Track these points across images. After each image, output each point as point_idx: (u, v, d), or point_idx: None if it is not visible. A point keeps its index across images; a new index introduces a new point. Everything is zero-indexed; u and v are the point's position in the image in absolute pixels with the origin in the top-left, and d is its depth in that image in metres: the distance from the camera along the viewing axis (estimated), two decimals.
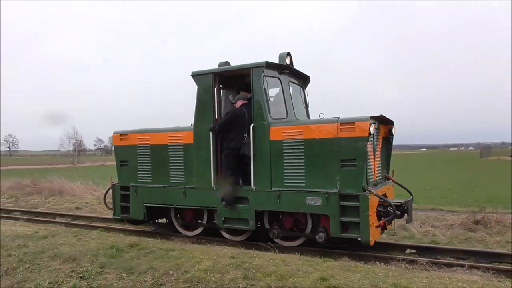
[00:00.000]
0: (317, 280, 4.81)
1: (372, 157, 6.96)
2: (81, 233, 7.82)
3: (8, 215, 11.87)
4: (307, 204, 6.66)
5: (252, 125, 7.18)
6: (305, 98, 8.75)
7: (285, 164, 6.92)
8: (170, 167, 8.16)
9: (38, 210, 13.07)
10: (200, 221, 8.32)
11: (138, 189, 8.55)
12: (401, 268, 5.82)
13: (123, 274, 5.48)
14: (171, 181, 8.15)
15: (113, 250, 6.40)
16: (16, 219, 10.51)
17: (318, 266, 5.37)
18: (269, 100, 7.26)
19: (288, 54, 7.82)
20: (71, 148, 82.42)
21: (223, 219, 7.53)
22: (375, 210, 6.41)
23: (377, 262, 6.41)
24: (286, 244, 7.31)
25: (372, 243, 6.31)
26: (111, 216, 9.63)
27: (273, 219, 7.41)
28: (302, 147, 6.77)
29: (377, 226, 6.38)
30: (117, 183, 8.97)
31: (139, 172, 8.59)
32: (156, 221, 9.20)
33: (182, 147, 7.99)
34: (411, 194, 7.78)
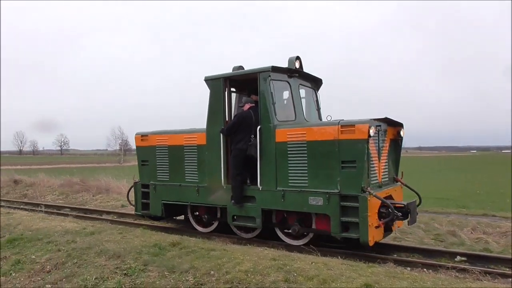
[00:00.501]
0: (361, 286, 4.65)
1: (377, 159, 7.02)
2: (126, 231, 8.01)
3: (59, 211, 12.42)
4: (310, 204, 6.87)
5: (259, 127, 7.46)
6: (317, 101, 8.89)
7: (289, 165, 7.16)
8: (185, 167, 8.58)
9: (86, 207, 13.60)
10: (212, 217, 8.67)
11: (157, 187, 9.02)
12: (451, 277, 5.52)
13: (165, 273, 5.54)
14: (186, 179, 8.56)
15: (156, 248, 6.49)
16: (66, 215, 10.97)
17: (362, 271, 5.18)
18: (275, 103, 7.45)
19: (298, 58, 8.05)
20: (117, 148, 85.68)
21: (232, 216, 7.85)
22: (376, 211, 6.50)
23: (425, 270, 6.14)
24: (294, 242, 7.48)
25: (371, 243, 6.39)
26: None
27: (280, 218, 7.65)
28: (305, 148, 6.99)
29: (376, 227, 6.44)
30: (139, 181, 9.48)
31: (157, 171, 9.06)
32: (174, 218, 9.64)
33: (196, 148, 8.39)
34: (419, 197, 7.85)
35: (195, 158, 8.43)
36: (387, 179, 7.49)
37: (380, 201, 6.52)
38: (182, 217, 9.62)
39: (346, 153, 6.55)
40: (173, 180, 8.78)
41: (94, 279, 5.59)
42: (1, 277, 6.22)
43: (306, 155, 6.98)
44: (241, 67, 8.25)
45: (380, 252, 7.14)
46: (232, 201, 7.74)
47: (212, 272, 5.32)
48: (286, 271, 5.08)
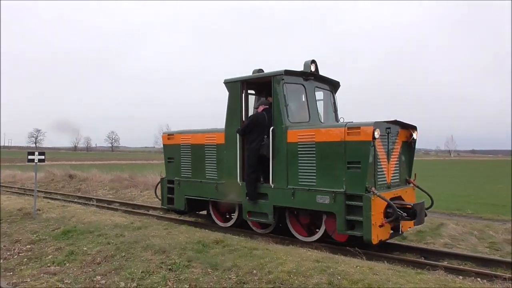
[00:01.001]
0: None
1: (385, 160, 7.21)
2: (171, 227, 8.19)
3: (109, 206, 12.95)
4: (317, 202, 7.13)
5: (271, 128, 7.78)
6: (334, 103, 9.09)
7: (299, 164, 7.45)
8: (206, 164, 9.07)
9: (134, 202, 14.07)
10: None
11: (180, 183, 9.56)
12: None
13: (209, 270, 5.60)
14: (206, 176, 9.05)
15: (200, 245, 6.58)
16: (115, 210, 11.41)
17: (410, 278, 4.97)
18: (288, 105, 7.77)
19: (313, 61, 8.27)
20: None
21: (247, 212, 8.21)
22: (382, 210, 6.66)
23: (479, 279, 5.79)
24: (304, 239, 7.77)
25: (374, 242, 6.54)
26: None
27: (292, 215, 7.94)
28: (314, 149, 7.26)
29: (380, 226, 6.57)
30: (165, 177, 10.06)
31: (181, 168, 9.61)
32: (197, 212, 10.21)
33: (215, 146, 8.87)
34: (431, 198, 7.88)
35: (215, 157, 8.88)
36: (397, 180, 7.61)
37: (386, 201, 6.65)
38: (205, 212, 10.02)
39: (351, 154, 6.78)
40: (195, 176, 9.28)
41: (141, 272, 5.75)
42: (56, 267, 6.57)
43: (314, 155, 7.26)
44: (261, 70, 8.56)
45: (429, 258, 6.85)
46: (247, 197, 8.08)
47: (254, 271, 5.31)
48: (329, 274, 4.98)
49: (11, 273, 6.53)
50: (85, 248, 7.09)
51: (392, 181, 7.39)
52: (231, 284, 5.12)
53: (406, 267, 5.91)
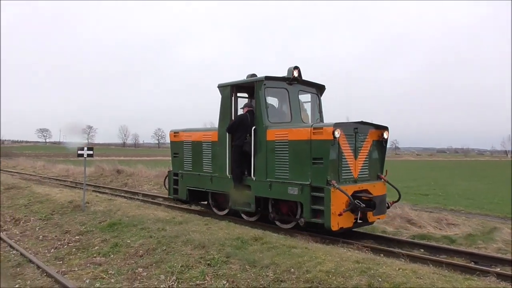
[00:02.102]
0: None
1: (352, 157, 7.93)
2: (211, 222, 8.27)
3: (153, 200, 13.29)
4: (289, 193, 7.98)
5: (253, 127, 8.64)
6: (319, 104, 9.88)
7: (275, 160, 8.32)
8: (203, 159, 10.11)
9: None
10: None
11: (183, 175, 10.68)
12: None
13: (247, 266, 5.59)
14: (203, 170, 10.09)
15: (239, 242, 6.59)
16: (159, 204, 11.67)
17: (457, 283, 4.70)
18: (268, 107, 8.68)
19: (296, 67, 9.00)
20: None
21: (235, 202, 9.22)
22: (343, 201, 7.33)
23: None
24: (283, 226, 8.62)
25: (334, 228, 7.28)
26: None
27: (276, 205, 8.68)
28: (287, 146, 8.12)
29: (339, 214, 7.24)
30: (171, 170, 11.24)
31: (184, 162, 10.72)
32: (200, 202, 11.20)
33: (210, 143, 9.89)
34: (399, 193, 8.51)
35: (210, 152, 9.92)
36: (366, 175, 8.26)
37: (349, 192, 7.39)
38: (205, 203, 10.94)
39: (316, 151, 7.62)
40: (195, 170, 10.37)
41: (180, 266, 5.84)
42: (102, 258, 6.82)
43: (288, 152, 8.13)
44: (254, 75, 9.20)
45: (479, 264, 6.47)
46: (234, 189, 9.02)
47: (292, 269, 5.24)
48: (370, 276, 4.81)
49: (61, 262, 6.86)
50: (128, 241, 7.31)
51: (359, 176, 8.08)
52: (268, 281, 5.08)
53: (453, 271, 5.61)
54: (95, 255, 6.99)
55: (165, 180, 11.91)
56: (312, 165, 7.63)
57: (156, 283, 5.46)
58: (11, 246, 7.64)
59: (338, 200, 7.28)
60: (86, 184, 12.21)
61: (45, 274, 6.07)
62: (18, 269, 6.43)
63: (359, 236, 8.36)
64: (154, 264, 6.16)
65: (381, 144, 8.61)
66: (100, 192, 14.64)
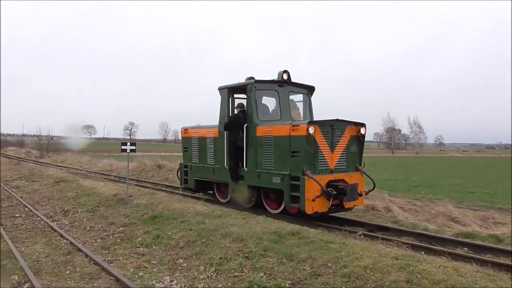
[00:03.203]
0: None
1: (328, 150, 8.87)
2: (249, 217, 8.38)
3: (193, 195, 13.56)
4: (273, 182, 9.06)
5: (245, 125, 9.70)
6: (309, 104, 10.79)
7: (263, 153, 9.39)
8: (207, 153, 11.35)
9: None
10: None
11: (192, 167, 12.00)
12: None
13: (284, 260, 5.65)
14: (207, 162, 11.32)
15: (276, 236, 6.66)
16: (198, 199, 11.93)
17: (503, 283, 4.54)
18: (258, 107, 9.70)
19: (285, 71, 10.06)
20: None
21: (232, 190, 10.38)
22: (318, 189, 8.26)
23: None
24: (272, 211, 9.65)
25: (309, 212, 8.31)
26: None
27: (268, 194, 9.82)
28: (272, 141, 9.17)
29: (313, 200, 8.21)
30: (182, 163, 12.59)
31: (192, 156, 12.04)
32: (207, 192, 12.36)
33: (213, 139, 11.07)
34: (373, 183, 9.44)
35: (212, 147, 11.12)
36: (343, 166, 9.18)
37: (323, 181, 8.40)
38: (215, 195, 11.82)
39: (294, 145, 8.64)
40: (200, 162, 11.64)
41: (219, 258, 5.98)
42: (144, 248, 7.10)
43: (273, 146, 9.17)
44: (251, 78, 9.99)
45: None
46: (230, 178, 10.18)
47: (329, 264, 5.25)
48: (409, 272, 4.74)
49: (107, 251, 7.20)
50: (169, 233, 7.56)
51: (336, 167, 9.00)
52: (305, 275, 5.12)
53: (498, 271, 5.41)
54: (138, 245, 7.28)
55: (177, 171, 13.24)
56: (291, 158, 8.68)
57: (195, 274, 5.63)
58: (61, 236, 8.10)
59: (312, 187, 8.27)
60: (129, 178, 12.69)
61: (92, 262, 6.40)
62: (68, 256, 6.82)
63: (399, 233, 8.23)
64: (194, 256, 6.34)
65: (358, 139, 9.49)
66: (142, 186, 15.15)
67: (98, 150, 63.61)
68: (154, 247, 7.12)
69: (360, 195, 9.13)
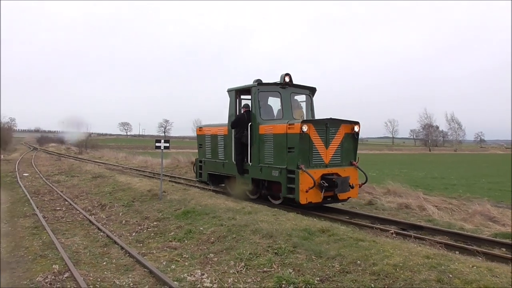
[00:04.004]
0: None
1: (323, 146, 9.70)
2: (279, 213, 8.43)
3: (224, 191, 13.76)
4: (272, 175, 9.95)
5: (250, 123, 10.62)
6: (311, 104, 11.56)
7: (265, 149, 10.28)
8: (218, 149, 12.31)
9: None
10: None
11: (205, 162, 13.02)
12: None
13: (313, 257, 5.67)
14: (218, 157, 12.31)
15: (305, 233, 6.68)
16: (230, 195, 12.09)
17: None
18: (261, 107, 10.58)
19: (287, 74, 10.81)
20: None
21: (239, 183, 11.26)
22: (311, 181, 9.00)
23: None
24: (274, 202, 10.53)
25: (303, 202, 9.14)
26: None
27: (269, 186, 10.61)
28: (272, 138, 10.07)
29: (306, 191, 9.06)
30: (197, 158, 13.64)
31: (206, 151, 13.04)
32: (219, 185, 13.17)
33: (223, 136, 12.02)
34: (366, 176, 10.29)
35: (223, 143, 12.06)
36: (338, 161, 9.98)
37: (316, 174, 9.22)
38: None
39: (290, 142, 9.50)
40: (213, 157, 12.63)
41: (249, 254, 6.07)
42: (177, 242, 7.30)
43: (272, 142, 10.05)
44: (259, 80, 10.84)
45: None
46: (237, 172, 11.11)
47: (358, 261, 5.22)
48: (440, 271, 4.65)
49: (141, 244, 7.44)
50: (201, 228, 7.73)
51: (330, 161, 9.83)
52: (334, 272, 5.12)
53: None
54: (171, 240, 7.49)
55: (193, 166, 14.55)
56: (287, 153, 9.55)
57: (226, 268, 5.74)
58: (99, 229, 8.44)
59: (305, 180, 9.07)
60: (163, 174, 13.04)
61: (127, 255, 6.65)
62: (105, 248, 7.10)
63: (433, 232, 8.06)
64: (224, 251, 6.46)
65: (353, 136, 10.23)
66: (175, 182, 15.49)
67: (133, 146, 65.46)
68: (186, 241, 7.29)
69: (352, 187, 9.76)
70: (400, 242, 6.42)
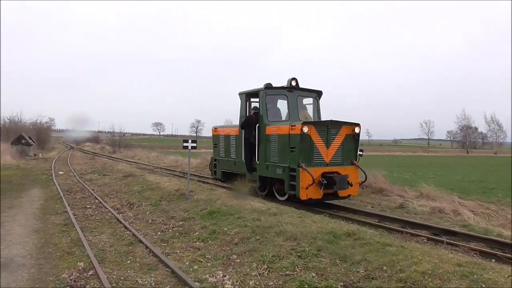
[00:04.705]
0: None
1: (323, 146, 10.29)
2: (305, 215, 8.26)
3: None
4: (277, 173, 10.60)
5: (257, 125, 11.38)
6: (317, 106, 12.11)
7: (271, 149, 11.00)
8: (230, 149, 13.09)
9: None
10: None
11: (219, 161, 13.83)
12: None
13: (337, 261, 5.49)
14: (231, 156, 13.10)
15: (331, 236, 6.50)
16: (256, 195, 12.01)
17: None
18: (268, 109, 11.28)
19: (294, 78, 11.39)
20: None
21: (248, 179, 12.10)
22: (310, 178, 9.60)
23: None
24: (280, 198, 11.10)
25: (303, 198, 9.78)
26: (336, 203, 11.08)
27: (275, 183, 11.24)
28: (277, 138, 10.77)
29: (306, 188, 9.66)
30: (212, 157, 14.50)
31: (220, 151, 13.82)
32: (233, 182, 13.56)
33: (235, 137, 12.76)
34: (365, 175, 10.83)
35: (234, 143, 12.78)
36: (339, 160, 10.51)
37: (317, 173, 9.82)
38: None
39: (292, 142, 10.14)
40: (226, 156, 13.45)
41: (271, 256, 5.96)
42: (201, 243, 7.27)
43: (277, 142, 10.74)
44: (269, 84, 11.45)
45: None
46: (246, 170, 11.93)
47: (384, 267, 5.01)
48: (472, 280, 4.37)
49: (166, 244, 7.47)
50: (225, 229, 7.68)
51: (331, 161, 10.37)
52: (358, 277, 4.93)
53: None
54: (195, 240, 7.47)
55: (209, 165, 15.37)
56: (290, 152, 10.16)
57: (248, 270, 5.65)
58: (125, 227, 8.55)
59: (305, 177, 9.66)
60: (192, 174, 13.13)
61: (151, 254, 6.67)
62: (130, 247, 7.17)
63: (467, 238, 7.69)
64: (247, 252, 6.37)
65: (353, 137, 10.71)
66: (203, 182, 15.56)
67: (165, 146, 66.61)
68: (210, 242, 7.26)
69: (351, 185, 10.19)
70: (430, 248, 6.13)
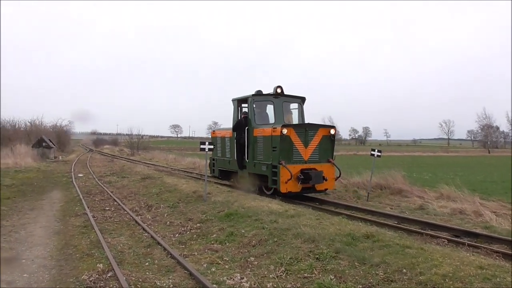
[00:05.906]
0: None
1: (302, 146, 11.69)
2: (323, 217, 8.21)
3: (268, 193, 13.68)
4: (262, 170, 12.08)
5: (247, 127, 12.87)
6: (301, 111, 13.57)
7: (258, 149, 12.48)
8: (226, 149, 14.62)
9: None
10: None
11: (217, 160, 15.46)
12: None
13: (356, 263, 5.44)
14: (226, 156, 14.66)
15: (349, 238, 6.44)
16: (273, 197, 11.99)
17: None
18: (255, 114, 12.84)
19: (279, 86, 13.01)
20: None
21: (240, 176, 13.58)
22: (289, 173, 11.01)
23: None
24: (267, 192, 12.44)
25: (283, 191, 11.19)
26: (354, 205, 11.15)
27: (262, 179, 12.45)
28: (262, 139, 12.25)
29: (285, 182, 11.04)
30: (211, 157, 15.70)
31: (217, 151, 15.28)
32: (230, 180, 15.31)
33: (229, 138, 14.29)
34: (339, 171, 12.31)
35: (229, 144, 14.28)
36: (316, 158, 11.88)
37: (296, 169, 11.20)
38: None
39: (273, 143, 11.57)
40: (222, 156, 15.04)
41: (289, 258, 5.93)
42: (218, 245, 7.29)
43: (262, 143, 12.21)
44: (259, 91, 13.11)
45: None
46: (238, 168, 13.40)
47: (404, 270, 4.93)
48: (495, 283, 4.27)
49: (183, 246, 7.53)
50: (243, 231, 7.68)
51: (309, 158, 11.75)
52: (377, 280, 4.86)
53: None
54: (212, 242, 7.50)
55: (209, 164, 15.99)
56: (272, 152, 11.57)
57: (265, 273, 5.63)
58: (144, 229, 8.63)
59: (285, 173, 11.07)
60: (209, 176, 13.24)
61: (169, 256, 6.72)
62: (148, 249, 7.24)
63: (490, 240, 7.51)
64: (265, 255, 6.37)
65: (329, 138, 12.14)
66: (220, 184, 15.57)
67: (183, 148, 67.13)
68: (228, 244, 7.27)
69: (326, 180, 11.46)
70: (451, 250, 6.02)
